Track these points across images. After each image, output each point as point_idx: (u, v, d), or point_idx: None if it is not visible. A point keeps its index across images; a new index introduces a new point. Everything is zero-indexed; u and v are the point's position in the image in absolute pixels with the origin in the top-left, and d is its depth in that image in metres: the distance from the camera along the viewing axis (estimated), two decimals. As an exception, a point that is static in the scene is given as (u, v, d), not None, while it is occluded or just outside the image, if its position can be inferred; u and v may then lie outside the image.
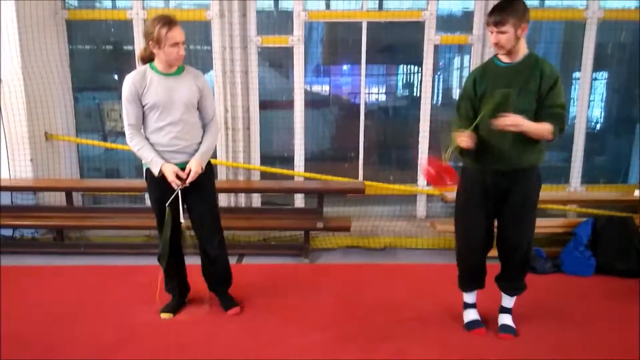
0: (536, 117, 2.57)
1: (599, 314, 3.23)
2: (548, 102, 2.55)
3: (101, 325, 3.03)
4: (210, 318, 3.13)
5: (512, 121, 2.47)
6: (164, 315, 3.13)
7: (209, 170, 3.04)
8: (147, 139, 2.87)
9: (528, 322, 3.10)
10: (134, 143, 2.85)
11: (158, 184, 2.89)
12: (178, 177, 2.82)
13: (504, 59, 2.63)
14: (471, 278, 2.98)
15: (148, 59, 2.87)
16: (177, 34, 2.73)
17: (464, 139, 2.58)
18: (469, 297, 3.04)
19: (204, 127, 2.98)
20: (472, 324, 2.99)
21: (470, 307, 3.04)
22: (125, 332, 2.96)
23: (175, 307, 3.19)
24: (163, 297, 3.16)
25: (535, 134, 2.53)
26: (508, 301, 2.98)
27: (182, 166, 2.87)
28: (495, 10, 2.52)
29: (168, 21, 2.72)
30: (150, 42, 2.75)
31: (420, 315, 3.14)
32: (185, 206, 2.99)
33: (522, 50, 2.60)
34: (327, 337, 2.92)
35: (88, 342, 2.84)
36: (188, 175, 2.84)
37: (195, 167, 2.85)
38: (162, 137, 2.84)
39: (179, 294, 3.22)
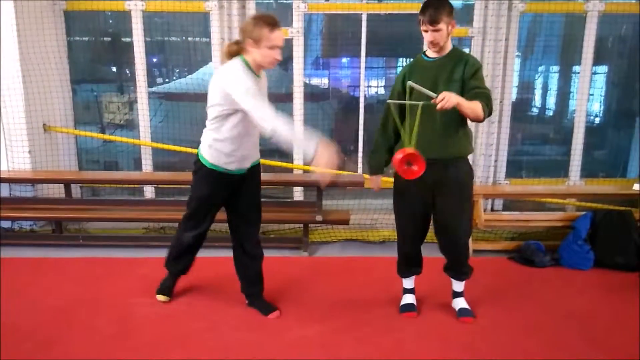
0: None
1: (597, 308, 3.24)
2: (471, 85, 2.67)
3: (100, 317, 3.03)
4: (210, 310, 3.13)
5: (445, 97, 2.43)
6: (160, 297, 3.16)
7: (260, 167, 3.05)
8: (221, 142, 2.73)
9: (526, 314, 3.12)
10: (279, 123, 2.55)
11: (219, 185, 2.85)
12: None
13: (432, 54, 2.77)
14: (408, 264, 3.12)
15: (234, 54, 2.70)
16: (279, 37, 2.61)
17: (373, 184, 3.06)
18: (407, 283, 3.19)
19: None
20: (405, 307, 3.13)
21: (408, 292, 3.20)
22: (125, 324, 2.96)
23: (170, 288, 3.22)
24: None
25: (469, 107, 2.53)
26: (458, 286, 3.11)
27: (242, 172, 2.86)
28: (428, 8, 2.61)
29: (272, 22, 2.59)
30: (248, 40, 2.60)
31: (418, 308, 3.15)
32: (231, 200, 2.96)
33: (449, 45, 2.75)
34: (325, 330, 2.93)
35: (87, 334, 2.84)
36: None
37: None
38: (241, 140, 2.75)
39: (177, 272, 3.22)
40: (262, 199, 3.08)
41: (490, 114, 2.66)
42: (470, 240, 3.13)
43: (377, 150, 3.02)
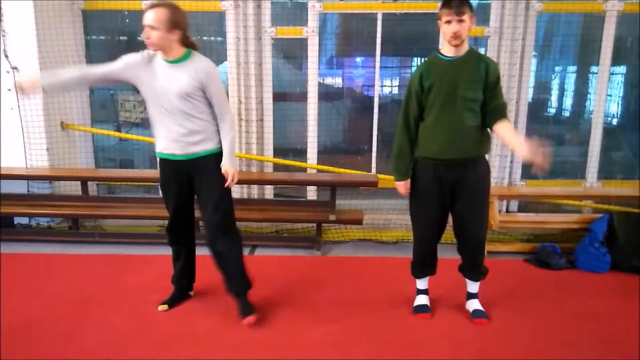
0: (483, 108, 2.73)
1: (613, 311, 3.20)
2: (495, 94, 2.73)
3: (115, 314, 3.07)
4: (223, 308, 3.14)
5: (537, 151, 2.62)
6: (160, 307, 3.13)
7: (217, 159, 2.86)
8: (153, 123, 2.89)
9: (542, 318, 3.09)
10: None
11: (163, 171, 2.94)
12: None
13: (448, 53, 2.73)
14: (423, 265, 3.11)
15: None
16: (145, 17, 2.62)
17: (403, 189, 2.95)
18: (421, 284, 3.18)
19: (221, 122, 2.85)
20: (419, 308, 3.12)
21: (421, 293, 3.18)
22: (139, 321, 2.99)
23: (173, 299, 3.18)
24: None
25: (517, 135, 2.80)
26: (473, 287, 3.09)
27: (183, 158, 2.83)
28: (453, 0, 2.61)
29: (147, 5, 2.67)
30: None
31: (432, 309, 3.13)
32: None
33: (466, 45, 2.73)
34: (337, 329, 2.93)
35: (102, 331, 2.88)
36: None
37: (230, 169, 2.80)
38: (160, 123, 2.84)
39: (178, 284, 3.22)
40: (277, 198, 3.07)
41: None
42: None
43: (401, 154, 2.91)
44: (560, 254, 3.92)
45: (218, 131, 2.87)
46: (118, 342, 2.76)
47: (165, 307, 3.14)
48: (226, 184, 2.81)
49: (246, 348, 2.73)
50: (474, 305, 3.08)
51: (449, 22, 2.61)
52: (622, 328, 2.99)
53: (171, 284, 3.23)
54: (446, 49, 2.74)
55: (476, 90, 2.69)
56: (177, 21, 2.66)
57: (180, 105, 2.73)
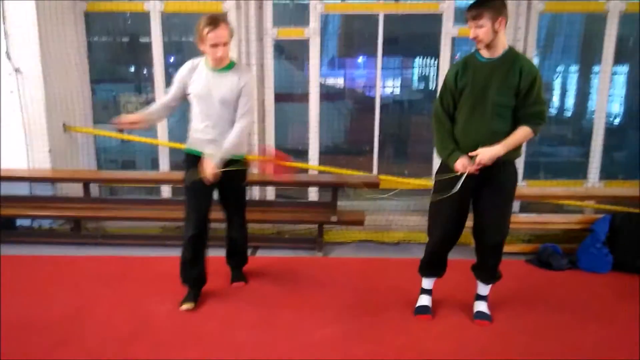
0: (515, 114, 2.68)
1: (614, 312, 3.20)
2: (527, 101, 2.64)
3: (117, 315, 3.07)
4: (225, 310, 3.16)
5: (485, 157, 2.62)
6: (185, 306, 3.13)
7: (245, 164, 3.21)
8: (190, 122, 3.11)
9: (543, 318, 3.08)
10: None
11: (190, 165, 3.07)
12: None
13: (485, 53, 2.69)
14: (433, 266, 3.08)
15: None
16: (217, 36, 2.81)
17: (461, 165, 2.73)
18: (426, 283, 3.15)
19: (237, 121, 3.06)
20: (420, 309, 3.10)
21: (424, 293, 3.16)
22: (142, 322, 3.00)
23: (194, 297, 3.20)
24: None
25: (516, 144, 2.68)
26: (484, 289, 3.07)
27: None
28: (472, 4, 2.62)
29: (211, 21, 2.82)
30: (197, 40, 2.89)
31: (436, 309, 3.13)
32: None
33: (502, 45, 2.65)
34: (340, 331, 2.93)
35: (104, 333, 2.88)
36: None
37: (207, 163, 2.95)
38: (198, 123, 3.04)
39: (194, 285, 3.23)
40: (278, 199, 3.16)
41: (542, 126, 2.69)
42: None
43: (445, 134, 2.81)
44: (562, 255, 3.92)
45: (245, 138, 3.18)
46: (120, 343, 2.77)
47: (192, 305, 3.15)
48: (203, 175, 2.94)
49: (247, 349, 2.74)
50: (479, 307, 3.07)
51: (470, 26, 2.62)
52: (624, 329, 2.99)
53: (185, 284, 3.22)
54: (483, 50, 2.69)
55: (507, 96, 2.63)
56: (232, 31, 2.96)
57: (221, 110, 2.99)
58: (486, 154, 2.63)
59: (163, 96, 3.19)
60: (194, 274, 3.19)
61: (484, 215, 2.84)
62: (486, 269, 2.99)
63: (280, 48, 4.81)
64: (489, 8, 2.55)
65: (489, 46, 2.64)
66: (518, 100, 2.64)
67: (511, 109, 2.67)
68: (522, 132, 2.67)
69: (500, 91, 2.63)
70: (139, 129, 3.10)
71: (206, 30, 2.80)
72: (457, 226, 2.91)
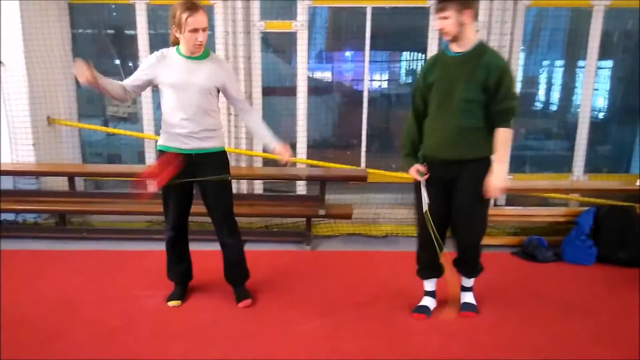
0: (486, 109, 2.61)
1: (599, 303, 3.25)
2: (497, 97, 2.56)
3: (104, 310, 3.05)
4: (214, 304, 3.15)
5: (496, 188, 2.62)
6: (171, 303, 3.12)
7: (225, 157, 3.02)
8: (162, 117, 2.90)
9: (528, 310, 3.12)
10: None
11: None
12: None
13: (454, 48, 2.62)
14: (427, 266, 3.00)
15: (177, 42, 2.85)
16: (197, 20, 2.68)
17: (413, 172, 2.79)
18: (426, 285, 3.09)
19: (240, 112, 3.02)
20: (417, 308, 3.05)
21: (427, 295, 3.09)
22: (129, 317, 2.98)
23: (180, 294, 3.18)
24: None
25: (507, 151, 2.66)
26: (467, 281, 3.06)
27: (192, 152, 2.86)
28: None
29: (189, 6, 2.68)
30: (173, 26, 2.75)
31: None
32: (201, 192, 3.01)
33: (471, 39, 2.58)
34: (328, 323, 2.94)
35: (91, 327, 2.86)
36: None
37: (282, 148, 2.94)
38: (173, 116, 2.83)
39: (180, 282, 3.22)
40: (266, 193, 3.10)
41: (514, 120, 2.63)
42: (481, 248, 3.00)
43: (405, 139, 2.87)
44: (547, 247, 3.96)
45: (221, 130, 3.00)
46: (107, 339, 2.75)
47: (178, 302, 3.13)
48: (285, 159, 2.93)
49: (236, 343, 2.73)
50: (464, 298, 3.07)
51: (436, 18, 2.56)
52: (608, 319, 3.03)
53: (171, 281, 3.21)
54: (452, 44, 2.63)
55: (474, 91, 2.56)
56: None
57: (200, 99, 2.81)
58: (495, 184, 2.61)
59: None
60: (178, 272, 3.18)
61: (457, 214, 2.78)
62: (466, 264, 2.97)
63: (268, 41, 4.79)
64: (455, 0, 2.49)
65: (456, 40, 2.57)
66: (488, 96, 2.57)
67: (479, 105, 2.60)
68: (501, 137, 2.60)
69: (467, 86, 2.56)
70: (90, 84, 2.63)
71: (185, 15, 2.66)
72: (439, 224, 2.80)
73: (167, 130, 2.88)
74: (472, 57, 2.57)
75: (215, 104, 2.92)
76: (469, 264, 2.97)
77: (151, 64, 2.83)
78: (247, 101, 3.00)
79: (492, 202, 2.78)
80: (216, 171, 2.93)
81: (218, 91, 2.93)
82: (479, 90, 2.56)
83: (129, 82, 2.86)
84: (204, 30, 2.73)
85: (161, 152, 2.93)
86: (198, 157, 2.88)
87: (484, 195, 2.67)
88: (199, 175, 2.90)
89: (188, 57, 2.82)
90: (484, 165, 2.68)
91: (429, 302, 3.08)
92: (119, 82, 2.86)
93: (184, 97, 2.81)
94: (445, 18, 2.50)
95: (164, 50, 2.87)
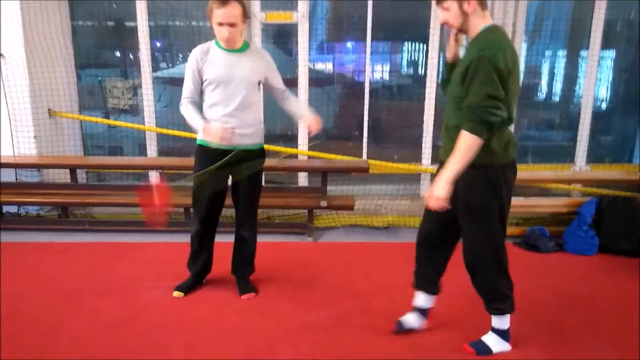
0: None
1: (601, 293, 3.25)
2: (467, 92, 2.18)
3: (106, 301, 3.06)
4: (215, 295, 3.16)
5: (432, 197, 2.24)
6: (175, 294, 3.13)
7: (262, 154, 2.99)
8: (204, 113, 2.85)
9: (531, 300, 3.12)
10: (183, 109, 2.80)
11: (205, 162, 2.83)
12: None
13: (468, 38, 2.35)
14: (418, 275, 2.69)
15: None
16: (224, 14, 2.60)
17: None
18: (416, 299, 2.73)
19: (283, 100, 2.97)
20: (396, 323, 2.75)
21: (412, 311, 2.75)
22: (132, 308, 2.99)
23: (189, 287, 3.18)
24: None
25: (463, 159, 2.18)
26: (493, 319, 2.56)
27: (232, 149, 2.78)
28: None
29: None
30: (207, 15, 2.69)
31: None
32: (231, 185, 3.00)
33: (479, 28, 2.26)
34: (329, 315, 2.95)
35: (94, 319, 2.87)
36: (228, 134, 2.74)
37: (315, 120, 2.83)
38: (216, 113, 2.79)
39: (197, 273, 3.22)
40: (268, 185, 3.07)
41: (489, 127, 2.16)
42: (503, 279, 2.48)
43: None
44: (549, 237, 3.96)
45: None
46: (110, 330, 2.76)
47: (181, 294, 3.13)
48: (315, 130, 2.83)
49: (238, 334, 2.74)
50: (485, 336, 2.60)
51: (439, 11, 2.33)
52: (610, 309, 3.04)
53: (188, 271, 3.21)
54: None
55: (457, 85, 2.27)
56: (247, 10, 2.71)
57: (244, 92, 2.77)
58: (433, 192, 2.24)
59: (188, 104, 2.81)
60: (198, 264, 3.19)
61: (462, 233, 2.46)
62: (478, 292, 2.53)
63: (269, 32, 4.77)
64: None
65: (463, 32, 2.32)
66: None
67: (462, 101, 2.25)
68: (460, 141, 2.19)
69: (454, 80, 2.32)
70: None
71: (215, 5, 2.58)
72: (434, 238, 2.56)
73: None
74: (472, 46, 2.26)
75: (258, 98, 2.89)
76: (480, 293, 2.52)
77: (196, 63, 2.77)
78: (288, 89, 2.98)
79: (497, 219, 2.35)
80: (252, 169, 2.91)
81: (260, 84, 2.90)
82: (459, 85, 2.26)
83: (190, 94, 2.80)
84: (230, 25, 2.63)
85: (200, 147, 2.89)
86: (237, 153, 2.82)
87: (481, 209, 2.33)
88: (235, 171, 2.89)
89: (228, 51, 2.77)
90: (480, 176, 2.27)
91: (411, 320, 2.75)
92: (194, 107, 2.80)
93: (228, 92, 2.76)
94: (447, 9, 2.28)
95: (203, 45, 2.80)
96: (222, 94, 2.77)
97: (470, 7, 2.23)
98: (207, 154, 2.84)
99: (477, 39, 2.25)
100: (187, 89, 2.81)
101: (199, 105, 2.85)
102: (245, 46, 2.83)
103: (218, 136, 2.63)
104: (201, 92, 2.85)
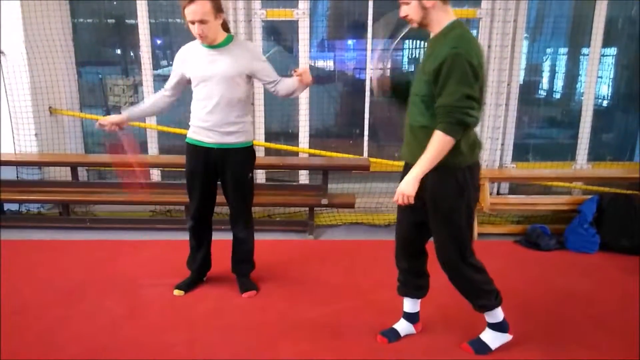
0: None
1: (602, 291, 3.25)
2: (438, 91, 2.12)
3: (107, 299, 3.07)
4: (216, 292, 3.16)
5: (399, 193, 2.21)
6: (176, 292, 3.13)
7: (248, 153, 2.96)
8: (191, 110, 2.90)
9: (532, 298, 3.12)
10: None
11: (189, 159, 2.93)
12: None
13: (432, 34, 2.27)
14: (401, 282, 2.65)
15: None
16: (191, 11, 2.57)
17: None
18: (405, 305, 2.70)
19: (277, 86, 2.91)
20: (384, 331, 2.70)
21: (403, 317, 2.72)
22: (132, 306, 2.99)
23: (189, 285, 3.19)
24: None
25: (433, 158, 2.14)
26: (485, 315, 2.54)
27: (213, 147, 2.84)
28: None
29: None
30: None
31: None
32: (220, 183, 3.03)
33: (442, 23, 2.18)
34: (330, 312, 2.95)
35: (95, 317, 2.87)
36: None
37: (307, 74, 2.81)
38: (199, 110, 2.83)
39: (197, 271, 3.22)
40: (268, 182, 3.07)
41: (463, 127, 2.11)
42: (477, 275, 2.44)
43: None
44: (550, 235, 3.96)
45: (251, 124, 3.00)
46: (111, 328, 2.76)
47: (182, 292, 3.14)
48: (310, 80, 2.84)
49: (239, 331, 2.74)
50: (482, 332, 2.60)
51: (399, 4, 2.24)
52: (611, 307, 3.04)
53: (188, 269, 3.22)
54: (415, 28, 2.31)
55: (422, 82, 2.20)
56: (219, 5, 2.67)
57: (222, 90, 2.76)
58: (400, 188, 2.20)
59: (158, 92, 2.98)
60: (197, 261, 3.19)
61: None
62: (459, 292, 2.51)
63: (269, 29, 4.76)
64: None
65: (424, 27, 2.22)
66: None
67: (428, 99, 2.19)
68: (434, 141, 2.13)
69: (418, 77, 2.24)
70: (122, 128, 2.90)
71: (183, 3, 2.57)
72: (408, 235, 2.50)
73: (193, 123, 2.88)
74: (438, 41, 2.18)
75: (243, 94, 2.83)
76: (461, 293, 2.50)
77: (178, 60, 2.86)
78: (280, 78, 2.91)
79: (463, 219, 2.31)
80: (236, 168, 2.92)
81: (249, 78, 2.85)
82: (427, 82, 2.16)
83: (167, 84, 2.93)
84: (201, 22, 2.58)
85: (188, 145, 2.93)
86: (219, 151, 2.85)
87: (449, 210, 2.29)
88: (219, 170, 2.92)
89: (209, 47, 2.76)
90: (447, 174, 2.23)
91: (402, 327, 2.71)
92: (155, 95, 2.94)
93: (207, 89, 2.77)
94: (407, 3, 2.19)
95: (190, 43, 2.85)
96: (203, 92, 2.79)
97: (430, 2, 2.15)
98: (192, 151, 2.92)
99: (444, 34, 2.17)
100: (168, 81, 2.94)
101: (167, 102, 2.98)
102: (227, 41, 2.77)
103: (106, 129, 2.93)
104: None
